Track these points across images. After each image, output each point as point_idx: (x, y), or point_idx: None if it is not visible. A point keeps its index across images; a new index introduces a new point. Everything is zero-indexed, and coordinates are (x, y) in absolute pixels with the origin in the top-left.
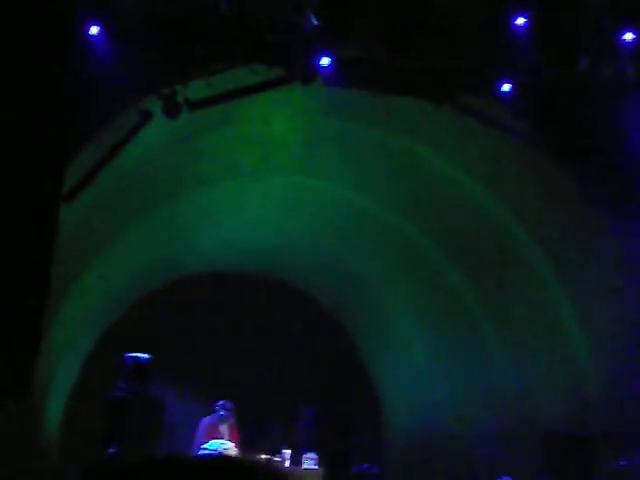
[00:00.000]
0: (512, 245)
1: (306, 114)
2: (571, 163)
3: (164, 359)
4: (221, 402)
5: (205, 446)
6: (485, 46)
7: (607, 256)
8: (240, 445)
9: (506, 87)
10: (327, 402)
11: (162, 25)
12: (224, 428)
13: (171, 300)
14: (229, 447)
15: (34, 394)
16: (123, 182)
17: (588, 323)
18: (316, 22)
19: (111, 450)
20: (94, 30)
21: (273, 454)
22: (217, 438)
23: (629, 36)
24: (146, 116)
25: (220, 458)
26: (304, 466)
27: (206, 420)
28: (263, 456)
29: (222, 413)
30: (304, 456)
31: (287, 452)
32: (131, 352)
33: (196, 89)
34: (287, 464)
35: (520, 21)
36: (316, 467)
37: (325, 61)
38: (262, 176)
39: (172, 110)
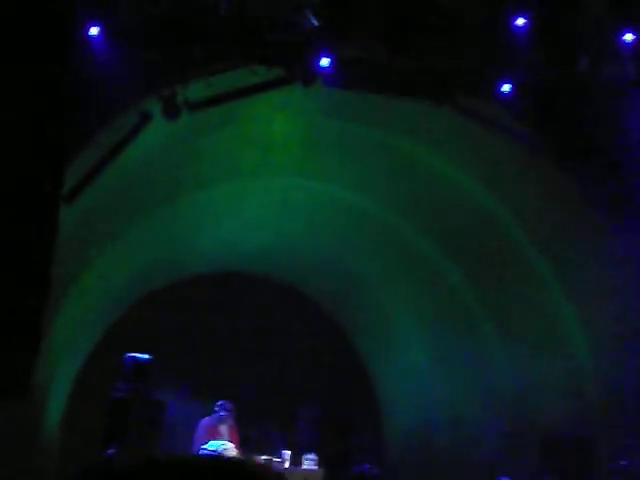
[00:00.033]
0: (512, 245)
1: (306, 115)
2: (571, 163)
3: (164, 359)
4: (220, 402)
5: (205, 447)
6: (485, 46)
7: (607, 256)
8: (240, 445)
9: (506, 87)
10: (327, 402)
11: (162, 25)
12: (224, 428)
13: (171, 300)
14: (229, 448)
15: (34, 394)
16: (123, 183)
17: (588, 323)
18: (316, 22)
19: (111, 451)
20: (94, 31)
21: (273, 455)
22: (217, 439)
23: (629, 37)
24: (146, 117)
25: (221, 459)
26: (304, 467)
27: (205, 421)
28: (263, 457)
29: (222, 413)
30: (304, 457)
31: (287, 453)
32: (131, 352)
33: (196, 90)
34: (287, 465)
35: (520, 21)
36: (316, 468)
37: (325, 62)
38: (262, 177)
39: (172, 111)
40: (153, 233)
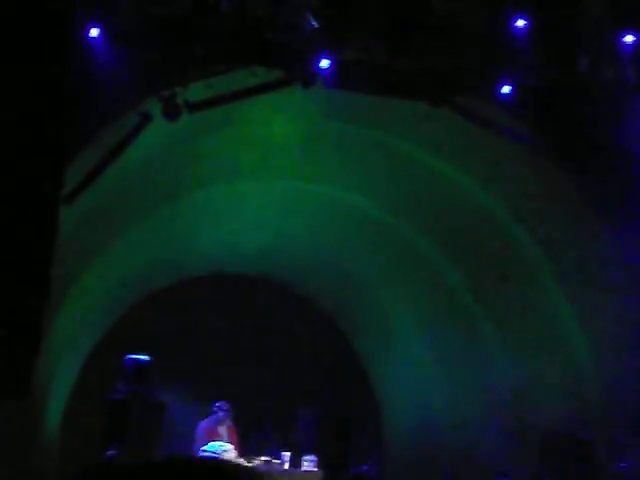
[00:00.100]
0: (512, 245)
1: (306, 116)
2: (571, 163)
3: (164, 360)
4: (218, 403)
5: (204, 448)
6: (485, 47)
7: (607, 256)
8: (239, 446)
9: (506, 89)
10: (326, 403)
11: (162, 26)
12: (222, 430)
13: (171, 301)
14: (228, 449)
15: (34, 394)
16: (123, 183)
17: (588, 323)
18: (316, 24)
19: (110, 451)
20: (94, 32)
21: (272, 456)
22: (216, 440)
23: (629, 38)
24: (146, 118)
25: (221, 462)
26: (303, 468)
27: (204, 423)
28: (262, 458)
29: (220, 415)
30: (303, 458)
31: (286, 454)
32: (131, 352)
33: (196, 91)
34: (286, 466)
35: (520, 22)
36: (315, 469)
37: (325, 63)
38: (262, 178)
39: (172, 112)
40: (153, 233)
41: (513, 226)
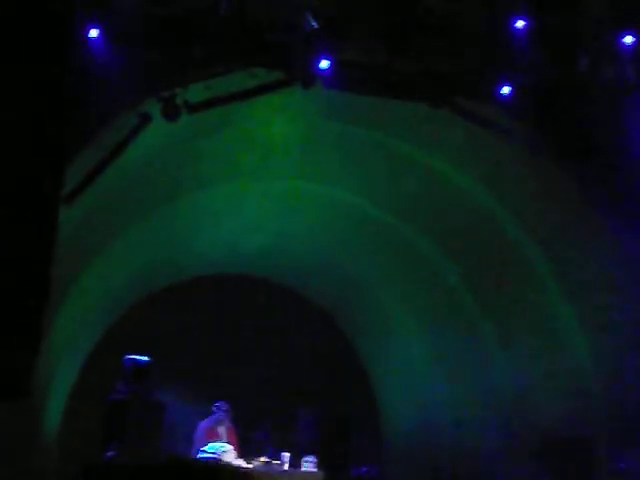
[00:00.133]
0: (512, 245)
1: (306, 117)
2: (571, 163)
3: (164, 359)
4: (218, 403)
5: (204, 449)
6: (485, 47)
7: (607, 256)
8: (239, 446)
9: (506, 89)
10: (326, 403)
11: (162, 27)
12: (222, 430)
13: (171, 301)
14: (228, 450)
15: (34, 394)
16: (123, 183)
17: (588, 323)
18: (316, 25)
19: (110, 452)
20: (94, 33)
21: (272, 457)
22: (215, 440)
23: (629, 39)
24: (145, 118)
25: (218, 465)
26: (303, 469)
27: (204, 423)
28: (262, 459)
29: (219, 415)
30: (303, 459)
31: (286, 455)
32: (131, 353)
33: (195, 92)
34: (286, 467)
35: (520, 23)
36: (315, 470)
37: (325, 64)
38: (262, 178)
39: (171, 113)
40: (153, 233)
41: (513, 226)
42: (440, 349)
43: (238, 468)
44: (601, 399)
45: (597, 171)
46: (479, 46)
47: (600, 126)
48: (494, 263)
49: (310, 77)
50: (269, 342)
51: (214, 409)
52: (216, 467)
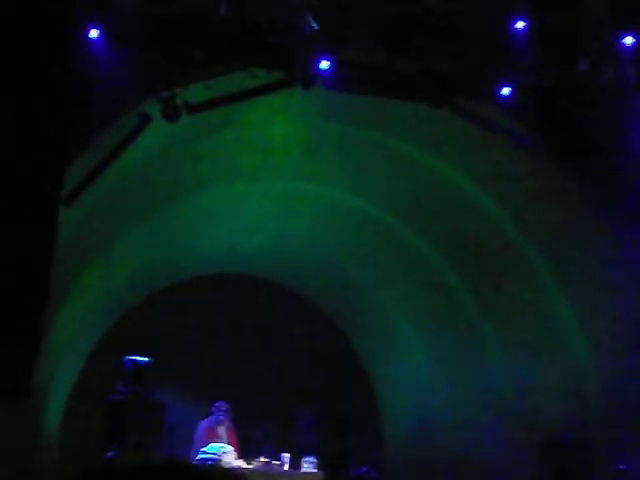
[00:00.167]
0: (511, 245)
1: (306, 117)
2: (571, 163)
3: (164, 360)
4: (217, 403)
5: (204, 449)
6: (485, 48)
7: (607, 256)
8: (239, 447)
9: (506, 90)
10: (326, 403)
11: (162, 28)
12: (222, 430)
13: (171, 301)
14: (228, 450)
15: (34, 394)
16: (123, 184)
17: (588, 323)
18: (316, 25)
19: (110, 453)
20: (94, 33)
21: (272, 457)
22: (215, 441)
23: (629, 40)
24: (145, 119)
25: (216, 468)
26: (303, 469)
27: (204, 423)
28: (262, 459)
29: (219, 415)
30: (303, 459)
31: (286, 455)
32: (131, 353)
33: (195, 92)
34: (286, 467)
35: (520, 24)
36: (315, 470)
37: (325, 64)
38: (262, 179)
39: (171, 113)
40: (153, 234)
41: (513, 226)
42: (440, 349)
43: (235, 470)
44: (601, 399)
45: (597, 171)
46: (479, 46)
47: (600, 126)
48: (494, 263)
49: (310, 77)
50: (269, 342)
51: (214, 409)
52: (213, 470)
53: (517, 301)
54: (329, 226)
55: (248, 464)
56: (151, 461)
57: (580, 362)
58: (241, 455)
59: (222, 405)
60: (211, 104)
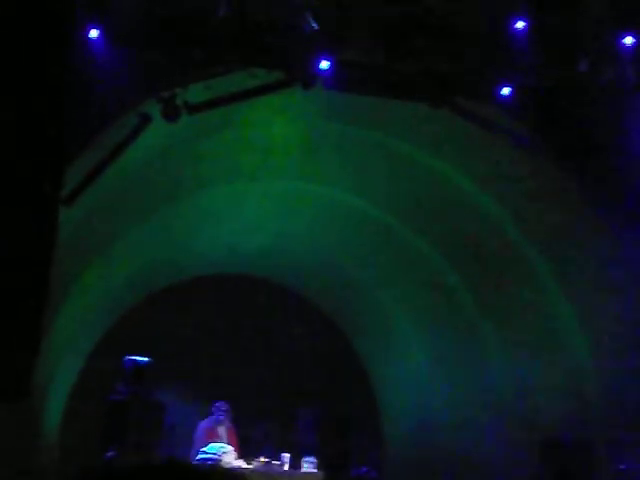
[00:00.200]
0: (511, 245)
1: (306, 117)
2: (571, 163)
3: (164, 360)
4: (217, 403)
5: (204, 449)
6: (485, 48)
7: (607, 256)
8: (238, 447)
9: (506, 90)
10: (326, 403)
11: (162, 28)
12: (222, 430)
13: (171, 301)
14: (228, 451)
15: (34, 394)
16: (123, 184)
17: (588, 323)
18: (316, 26)
19: (110, 453)
20: (94, 33)
21: (272, 457)
22: (216, 441)
23: (629, 40)
24: (145, 119)
25: (216, 469)
26: (303, 469)
27: (204, 423)
28: (262, 459)
29: (219, 415)
30: (303, 459)
31: (286, 455)
32: (131, 353)
33: (195, 92)
34: (286, 467)
35: (520, 24)
36: (315, 470)
37: (325, 64)
38: (262, 179)
39: (171, 113)
40: (153, 234)
41: (513, 226)
42: (440, 349)
43: (235, 470)
44: (601, 399)
45: (597, 171)
46: (479, 46)
47: (600, 126)
48: (494, 263)
49: (310, 77)
50: (269, 342)
51: (214, 409)
52: (213, 470)
53: (517, 301)
54: (329, 226)
55: (248, 464)
56: (151, 461)
57: (580, 362)
58: (241, 455)
59: (222, 405)
60: (211, 104)
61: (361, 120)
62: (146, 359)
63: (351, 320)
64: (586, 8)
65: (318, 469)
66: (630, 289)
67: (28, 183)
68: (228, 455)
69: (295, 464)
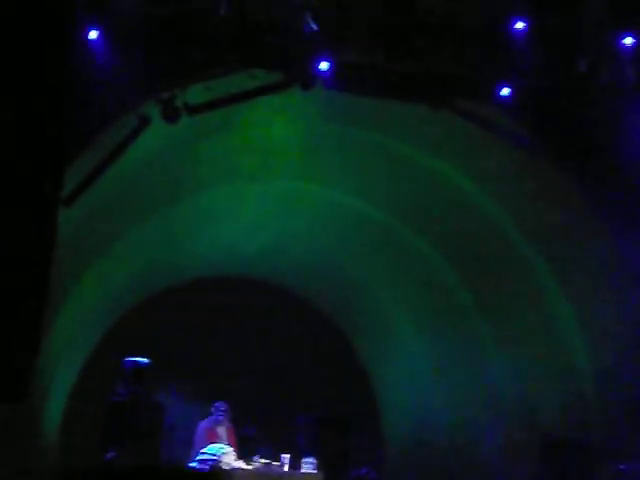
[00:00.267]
0: (511, 246)
1: (305, 118)
2: (570, 164)
3: (164, 360)
4: (217, 403)
5: (204, 450)
6: (485, 49)
7: (607, 256)
8: (238, 447)
9: (505, 91)
10: (326, 404)
11: (162, 27)
12: (221, 430)
13: (171, 302)
14: (228, 451)
15: (34, 395)
16: (123, 184)
17: (587, 323)
18: (316, 27)
19: (110, 454)
20: (93, 34)
21: (272, 458)
22: (215, 442)
23: (629, 40)
24: (145, 120)
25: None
26: (303, 470)
27: (203, 424)
28: (262, 460)
29: (218, 416)
30: (303, 460)
31: (286, 456)
32: (131, 354)
33: (195, 93)
34: (286, 468)
35: (519, 25)
36: (315, 471)
37: (324, 65)
38: (262, 180)
39: (171, 115)
40: (153, 235)
41: (513, 226)
42: (439, 350)
43: (234, 470)
44: (601, 400)
45: (597, 171)
46: (479, 46)
47: (600, 126)
48: (494, 264)
49: (310, 78)
50: (269, 343)
51: (213, 409)
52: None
53: (517, 301)
54: (329, 226)
55: (248, 465)
56: (151, 461)
57: (580, 362)
58: (240, 456)
59: (221, 405)
60: (211, 105)
61: (361, 121)
62: (146, 360)
63: (351, 320)
64: (586, 8)
65: (318, 470)
66: (630, 289)
67: (28, 183)
68: (228, 456)
69: (295, 465)
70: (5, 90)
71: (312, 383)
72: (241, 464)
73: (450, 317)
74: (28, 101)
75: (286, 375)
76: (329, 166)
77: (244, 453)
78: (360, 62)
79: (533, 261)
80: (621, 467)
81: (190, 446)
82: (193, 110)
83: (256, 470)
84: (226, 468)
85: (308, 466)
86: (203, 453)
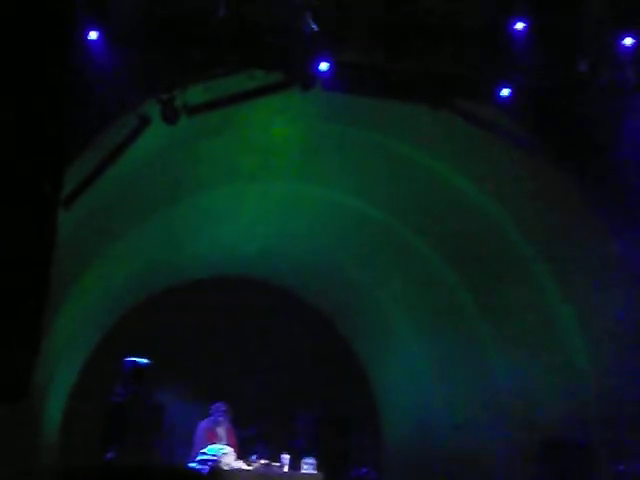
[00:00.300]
0: (511, 246)
1: (305, 119)
2: (571, 164)
3: (164, 361)
4: (216, 404)
5: (204, 451)
6: (484, 49)
7: (606, 256)
8: (238, 447)
9: (505, 92)
10: (326, 404)
11: (161, 27)
12: (221, 431)
13: (171, 302)
14: (228, 452)
15: (34, 394)
16: (123, 185)
17: (587, 323)
18: (315, 27)
19: (110, 454)
20: (93, 35)
21: (272, 458)
22: (215, 442)
23: (629, 41)
24: (145, 121)
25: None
26: (303, 470)
27: (203, 424)
28: (262, 460)
29: (218, 416)
30: (303, 460)
31: (286, 456)
32: (131, 354)
33: (195, 94)
34: (286, 468)
35: (519, 25)
36: (315, 472)
37: (324, 66)
38: (261, 180)
39: (171, 115)
40: (153, 235)
41: (512, 226)
42: (439, 350)
43: (234, 471)
44: (601, 399)
45: (597, 171)
46: (479, 46)
47: (600, 126)
48: (493, 264)
49: (309, 79)
50: (269, 343)
51: (213, 410)
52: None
53: (517, 301)
54: (329, 227)
55: (247, 465)
56: (151, 462)
57: (579, 363)
58: (240, 456)
59: (221, 406)
60: (210, 105)
61: (361, 121)
62: (146, 360)
63: (351, 321)
64: (586, 8)
65: (318, 470)
66: (630, 289)
67: (28, 183)
68: (228, 456)
69: (295, 465)
70: (5, 90)
71: (312, 383)
72: (241, 465)
73: (450, 317)
74: (28, 101)
75: (286, 375)
76: (329, 166)
77: (244, 453)
78: (360, 62)
79: (533, 261)
80: (621, 467)
81: (190, 446)
82: (193, 110)
83: (256, 470)
84: (226, 469)
85: (308, 466)
86: (203, 454)
